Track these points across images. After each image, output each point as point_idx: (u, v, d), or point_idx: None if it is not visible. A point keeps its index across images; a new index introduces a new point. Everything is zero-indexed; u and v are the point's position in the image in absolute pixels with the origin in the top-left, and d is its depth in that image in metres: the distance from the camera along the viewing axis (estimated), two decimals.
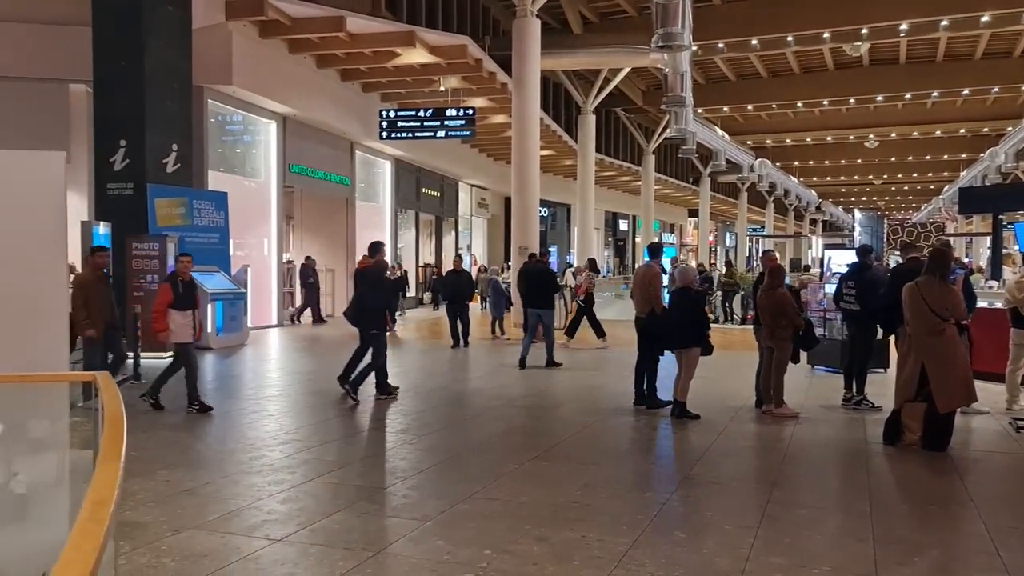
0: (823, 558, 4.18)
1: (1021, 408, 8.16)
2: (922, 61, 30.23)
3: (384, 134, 19.19)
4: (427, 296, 25.22)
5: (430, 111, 19.09)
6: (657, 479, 6.05)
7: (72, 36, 13.07)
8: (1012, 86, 30.52)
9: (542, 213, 28.06)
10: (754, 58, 29.52)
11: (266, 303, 17.21)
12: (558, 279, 15.22)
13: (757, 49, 26.20)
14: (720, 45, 25.55)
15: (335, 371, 9.25)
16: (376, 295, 8.91)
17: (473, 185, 29.91)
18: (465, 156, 26.49)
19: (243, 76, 14.80)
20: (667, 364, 8.30)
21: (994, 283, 22.77)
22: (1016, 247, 29.68)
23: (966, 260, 35.45)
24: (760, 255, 11.90)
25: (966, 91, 32.15)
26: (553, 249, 31.25)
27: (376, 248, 9.17)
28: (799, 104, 35.44)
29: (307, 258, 18.88)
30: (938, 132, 41.73)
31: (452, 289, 14.64)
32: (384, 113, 19.26)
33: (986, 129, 39.90)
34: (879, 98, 33.66)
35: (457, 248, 27.75)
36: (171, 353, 11.51)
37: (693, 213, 51.64)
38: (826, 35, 24.32)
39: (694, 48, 21.45)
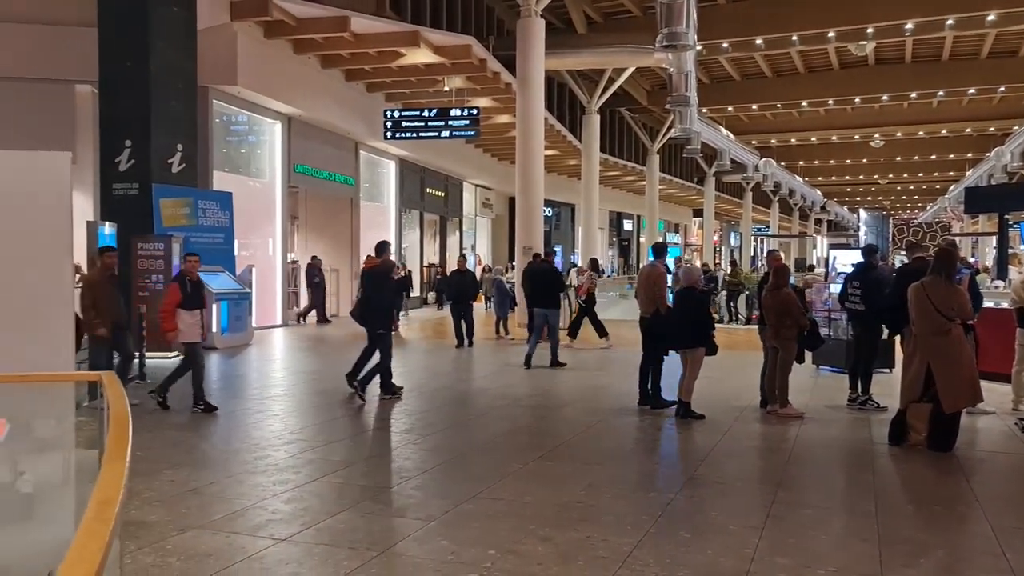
0: (828, 558, 4.17)
1: None
2: (928, 60, 30.15)
3: (388, 134, 19.21)
4: (431, 296, 25.23)
5: (434, 111, 19.10)
6: (662, 479, 6.05)
7: (78, 37, 13.10)
8: (1018, 85, 30.40)
9: (546, 213, 28.09)
10: (759, 58, 29.47)
11: (271, 303, 17.23)
12: (564, 279, 15.21)
13: (762, 49, 26.15)
14: (725, 45, 25.50)
15: (340, 371, 9.27)
16: (381, 295, 8.93)
17: (477, 185, 29.91)
18: (469, 156, 26.50)
19: (248, 76, 14.82)
20: (672, 364, 8.29)
21: (1000, 283, 22.68)
22: (1022, 247, 29.59)
23: (972, 260, 35.35)
24: (765, 255, 11.88)
25: (972, 90, 32.06)
26: (558, 248, 31.26)
27: (383, 248, 9.19)
28: (804, 104, 35.37)
29: (313, 258, 18.90)
30: (944, 131, 41.62)
31: (456, 289, 14.65)
32: (388, 113, 19.27)
33: (992, 128, 39.77)
34: (884, 97, 33.58)
35: (461, 248, 27.76)
36: (176, 353, 11.58)
37: (698, 213, 51.62)
38: (831, 34, 24.26)
39: (699, 48, 21.44)
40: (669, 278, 10.17)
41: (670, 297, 8.83)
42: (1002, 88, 31.57)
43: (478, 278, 20.39)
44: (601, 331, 13.98)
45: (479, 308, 19.86)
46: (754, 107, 36.72)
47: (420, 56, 17.04)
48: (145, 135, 12.55)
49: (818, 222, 75.71)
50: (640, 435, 7.49)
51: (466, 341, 13.97)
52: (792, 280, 9.02)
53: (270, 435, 6.99)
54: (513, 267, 21.30)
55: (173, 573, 3.86)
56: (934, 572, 4.10)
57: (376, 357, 8.80)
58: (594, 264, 16.06)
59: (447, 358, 12.90)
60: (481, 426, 7.70)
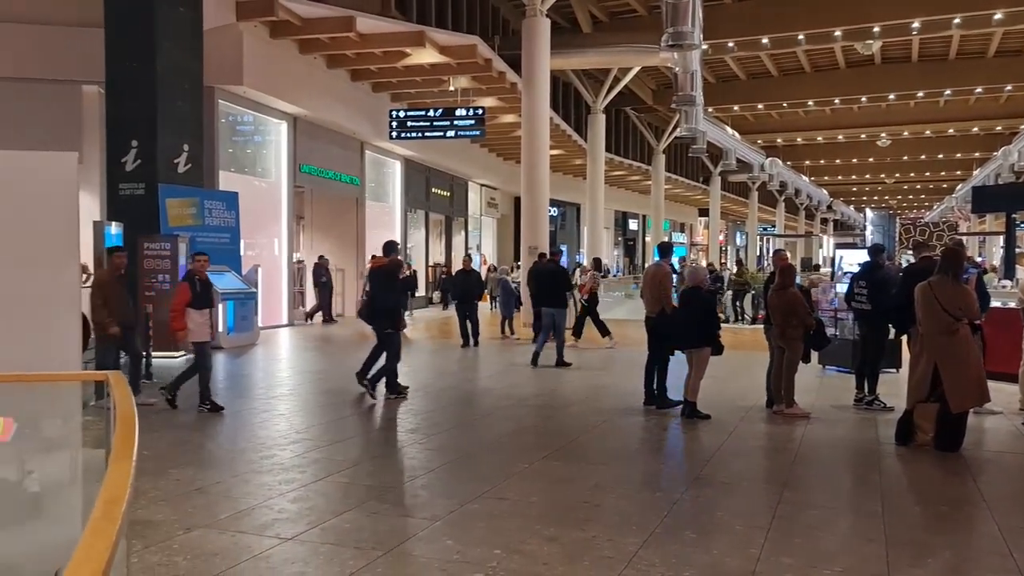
0: (834, 559, 4.16)
1: None
2: (934, 59, 30.03)
3: (394, 134, 19.22)
4: (436, 295, 25.25)
5: (440, 111, 19.12)
6: (667, 479, 6.04)
7: (85, 37, 13.14)
8: None
9: (552, 213, 28.03)
10: (765, 57, 29.40)
11: (277, 303, 17.27)
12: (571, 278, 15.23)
13: (768, 48, 26.09)
14: (730, 44, 25.45)
15: (346, 371, 9.28)
16: (388, 294, 8.93)
17: (483, 185, 29.92)
18: (475, 156, 26.50)
19: (254, 76, 14.85)
20: (677, 364, 8.28)
21: (1007, 282, 22.59)
22: None
23: (979, 259, 35.20)
24: (771, 255, 11.86)
25: (979, 89, 31.94)
26: (563, 248, 31.23)
27: (391, 247, 9.22)
28: (810, 103, 35.27)
29: (320, 257, 18.93)
30: (951, 130, 41.48)
31: (461, 289, 14.65)
32: (394, 113, 19.29)
33: (999, 128, 39.62)
34: (891, 96, 33.47)
35: (467, 248, 27.77)
36: (182, 352, 11.61)
37: (703, 212, 51.50)
38: (837, 34, 24.19)
39: (704, 47, 21.39)
40: (674, 278, 10.16)
41: (675, 297, 8.81)
42: (1009, 87, 31.44)
43: (483, 278, 20.39)
44: (603, 330, 13.97)
45: (484, 308, 19.88)
46: (760, 106, 36.64)
47: (425, 56, 17.04)
48: (151, 135, 12.58)
49: (824, 221, 75.48)
50: (646, 435, 7.48)
51: (471, 341, 13.98)
52: (798, 280, 8.99)
53: (276, 434, 7.00)
54: (518, 267, 21.30)
55: (179, 572, 3.87)
56: (941, 572, 4.09)
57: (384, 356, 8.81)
58: (597, 263, 16.06)
59: (452, 358, 12.90)
60: (486, 426, 7.71)
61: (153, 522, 4.52)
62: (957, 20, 22.59)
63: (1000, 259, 31.38)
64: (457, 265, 21.73)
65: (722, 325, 8.68)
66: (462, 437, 7.19)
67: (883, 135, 42.37)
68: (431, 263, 26.20)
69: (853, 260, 26.74)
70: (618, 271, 40.12)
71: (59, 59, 13.55)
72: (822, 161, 51.53)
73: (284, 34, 15.56)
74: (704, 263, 32.25)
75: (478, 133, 19.33)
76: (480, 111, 18.87)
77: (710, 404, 7.93)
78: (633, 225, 46.40)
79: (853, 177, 58.40)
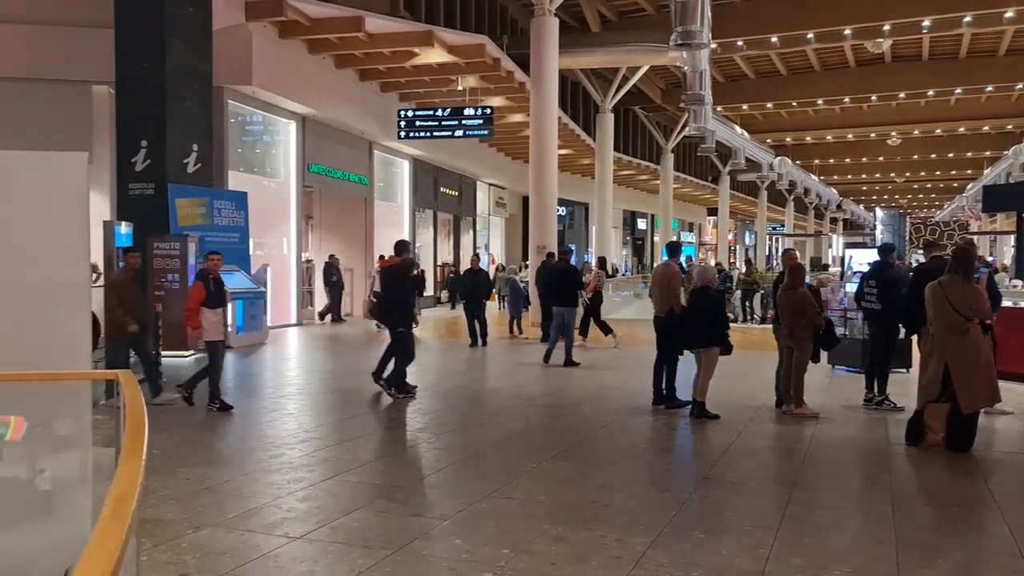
0: (844, 559, 4.14)
1: None
2: (945, 57, 29.88)
3: (402, 134, 19.25)
4: (444, 295, 25.27)
5: (448, 110, 19.12)
6: (676, 479, 6.03)
7: (95, 38, 13.20)
8: None
9: (560, 212, 28.04)
10: (774, 56, 29.31)
11: (285, 302, 17.31)
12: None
13: (777, 47, 26.00)
14: (739, 43, 25.39)
15: (354, 370, 9.30)
16: (400, 293, 8.94)
17: (491, 184, 29.92)
18: (483, 155, 26.51)
19: (263, 76, 14.88)
20: (686, 364, 8.26)
21: (1019, 282, 22.45)
22: None
23: (990, 259, 35.02)
24: (780, 254, 11.83)
25: (990, 88, 31.77)
26: (572, 247, 31.20)
27: (403, 247, 9.24)
28: (820, 102, 35.15)
29: (331, 256, 18.98)
30: (961, 129, 41.26)
31: (469, 288, 14.67)
32: (402, 113, 19.31)
33: (1010, 126, 39.39)
34: (901, 95, 33.30)
35: (475, 247, 27.77)
36: (191, 352, 11.65)
37: (712, 212, 51.39)
38: (847, 32, 24.10)
39: (713, 46, 21.35)
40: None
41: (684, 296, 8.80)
42: (1020, 86, 31.25)
43: (491, 277, 20.39)
44: (605, 329, 13.97)
45: (492, 307, 19.87)
46: (769, 105, 36.52)
47: (434, 56, 17.06)
48: (161, 135, 12.63)
49: (834, 221, 75.16)
50: (654, 435, 7.46)
51: (479, 340, 13.99)
52: (807, 279, 8.96)
53: (285, 434, 7.01)
54: (526, 266, 21.29)
55: (189, 570, 3.88)
56: (951, 573, 4.06)
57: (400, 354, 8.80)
58: (602, 262, 16.05)
59: (461, 357, 12.91)
60: (495, 425, 7.70)
61: (163, 521, 4.54)
62: (968, 18, 22.47)
63: (1011, 258, 31.20)
64: (465, 265, 21.71)
65: (731, 325, 8.65)
66: (470, 436, 7.19)
67: (893, 134, 42.17)
68: (439, 263, 26.22)
69: (863, 259, 26.60)
70: (626, 271, 40.06)
71: (70, 60, 13.61)
72: (832, 160, 51.33)
73: (293, 34, 15.60)
74: (712, 262, 32.15)
75: (486, 133, 19.33)
76: (488, 110, 18.87)
77: (719, 404, 7.91)
78: (642, 224, 46.33)
79: (863, 176, 58.16)
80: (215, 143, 14.01)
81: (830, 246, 64.48)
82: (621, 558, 4.08)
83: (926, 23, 23.08)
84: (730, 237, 53.37)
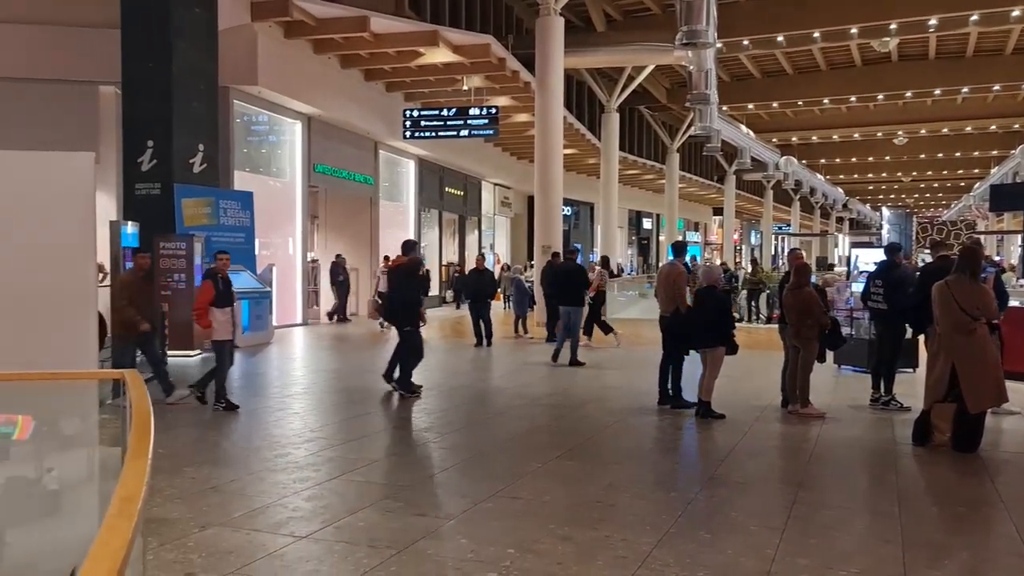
0: (850, 560, 4.13)
1: None
2: (952, 56, 29.76)
3: (408, 133, 19.25)
4: (449, 295, 25.28)
5: (453, 110, 19.13)
6: (681, 479, 6.02)
7: (102, 38, 13.24)
8: None
9: (565, 212, 28.01)
10: (780, 55, 29.23)
11: (291, 302, 17.34)
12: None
13: (783, 46, 25.94)
14: (745, 42, 25.33)
15: (360, 369, 9.31)
16: (408, 292, 8.94)
17: (496, 184, 29.92)
18: (488, 155, 26.51)
19: (268, 77, 14.91)
20: (692, 364, 8.25)
21: None
22: None
23: (997, 258, 34.86)
24: (787, 253, 11.81)
25: (997, 87, 31.64)
26: (579, 247, 31.19)
27: (410, 246, 9.25)
28: (826, 101, 35.04)
29: (337, 256, 19.00)
30: (968, 128, 41.10)
31: (474, 288, 14.68)
32: (408, 112, 19.32)
33: (1017, 125, 39.24)
34: (908, 94, 33.18)
35: (480, 247, 27.78)
36: (197, 352, 11.68)
37: (718, 211, 51.29)
38: (854, 31, 24.02)
39: (719, 45, 21.30)
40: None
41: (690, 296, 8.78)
42: None
43: (497, 277, 20.40)
44: (605, 329, 13.97)
45: (498, 307, 19.88)
46: (775, 104, 36.43)
47: (439, 55, 17.06)
48: (167, 135, 12.66)
49: (840, 220, 75.00)
50: (659, 435, 7.46)
51: (484, 340, 13.99)
52: (813, 279, 8.94)
53: (290, 433, 7.03)
54: (531, 266, 21.29)
55: (195, 569, 3.89)
56: (958, 574, 4.05)
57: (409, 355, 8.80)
58: (605, 261, 16.05)
59: (466, 357, 12.91)
60: (500, 425, 7.70)
61: (169, 520, 4.55)
62: (974, 17, 22.39)
63: (1018, 258, 31.07)
64: (470, 264, 21.73)
65: (736, 324, 8.63)
66: (475, 436, 7.19)
67: (900, 133, 42.03)
68: (444, 262, 26.24)
69: (869, 259, 26.53)
70: (632, 270, 40.02)
71: (76, 60, 13.66)
72: (838, 160, 51.19)
73: (298, 34, 15.62)
74: (717, 262, 32.09)
75: (492, 132, 19.33)
76: (494, 110, 18.87)
77: (724, 404, 7.90)
78: (647, 224, 46.27)
79: (869, 175, 57.97)
80: (221, 143, 14.04)
81: (836, 246, 64.30)
82: (627, 558, 4.07)
83: (933, 22, 23.00)
84: (736, 237, 53.25)
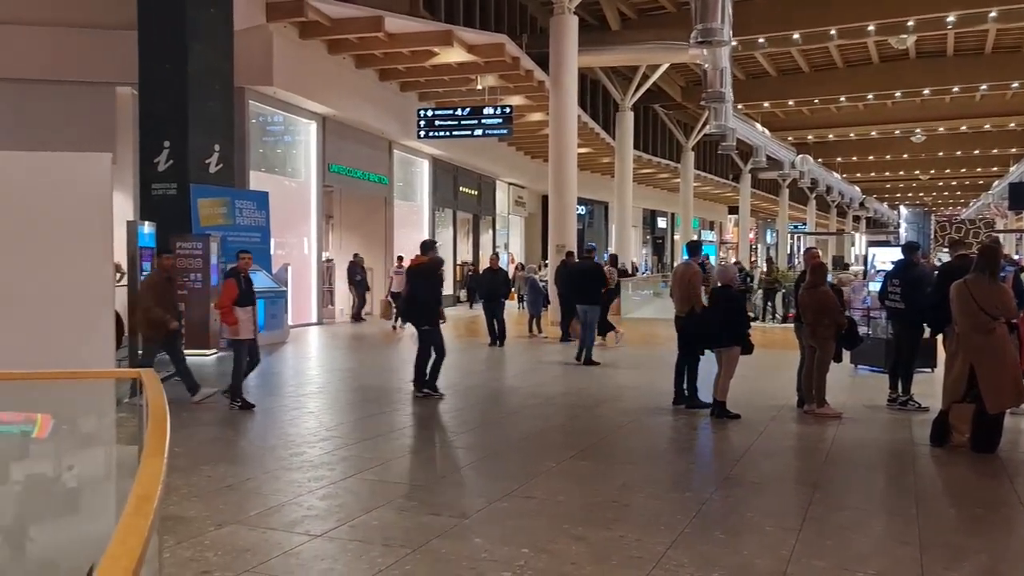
0: (867, 561, 4.10)
1: None
2: (970, 53, 29.49)
3: (422, 133, 19.28)
4: (463, 294, 25.31)
5: (467, 110, 19.14)
6: (696, 479, 6.00)
7: (119, 40, 13.33)
8: None
9: (580, 211, 27.97)
10: (795, 52, 29.05)
11: (306, 301, 17.41)
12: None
13: (799, 43, 25.77)
14: (761, 40, 25.19)
15: (374, 368, 9.32)
16: (428, 292, 8.93)
17: (510, 183, 29.92)
18: (502, 154, 26.51)
19: (283, 77, 14.97)
20: (707, 363, 8.22)
21: None
22: None
23: (1016, 257, 34.49)
24: (803, 252, 11.75)
25: (1016, 84, 31.30)
26: (594, 246, 31.12)
27: (429, 246, 9.26)
28: (842, 99, 34.79)
29: (355, 255, 19.07)
30: (987, 126, 40.72)
31: (488, 287, 14.69)
32: (422, 112, 19.35)
33: None
34: (926, 91, 32.87)
35: (494, 246, 27.78)
36: (213, 351, 11.74)
37: (733, 210, 51.05)
38: (871, 28, 23.84)
39: (734, 43, 21.20)
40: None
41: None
42: None
43: (511, 276, 20.39)
44: (605, 328, 13.91)
45: (512, 306, 19.87)
46: (790, 103, 36.21)
47: (453, 55, 17.07)
48: (183, 136, 12.73)
49: (856, 219, 74.47)
50: (674, 434, 7.43)
51: (498, 340, 13.99)
52: (829, 278, 8.88)
53: (305, 432, 7.05)
54: (546, 265, 21.27)
55: (211, 567, 3.91)
56: (976, 575, 4.01)
57: (432, 354, 8.78)
58: (614, 260, 16.04)
59: (480, 356, 12.92)
60: (514, 424, 7.70)
61: (185, 518, 4.58)
62: (993, 14, 22.18)
63: None
64: (485, 264, 21.74)
65: (752, 324, 8.59)
66: (489, 435, 7.19)
67: (918, 131, 41.68)
68: (459, 262, 26.27)
69: (886, 258, 26.29)
70: (646, 269, 39.92)
71: (93, 61, 13.76)
72: (854, 158, 50.83)
73: (313, 34, 15.68)
74: (732, 261, 31.94)
75: (506, 132, 19.33)
76: (508, 109, 18.86)
77: (740, 404, 7.86)
78: (662, 223, 46.13)
79: (887, 174, 57.52)
80: (236, 143, 14.11)
81: (853, 244, 63.83)
82: (641, 558, 4.06)
83: (951, 18, 22.79)
84: (751, 236, 52.99)
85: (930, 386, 8.72)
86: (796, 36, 24.61)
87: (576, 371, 10.98)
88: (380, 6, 15.33)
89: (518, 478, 5.54)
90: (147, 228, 11.76)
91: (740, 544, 4.32)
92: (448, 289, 23.10)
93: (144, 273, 10.21)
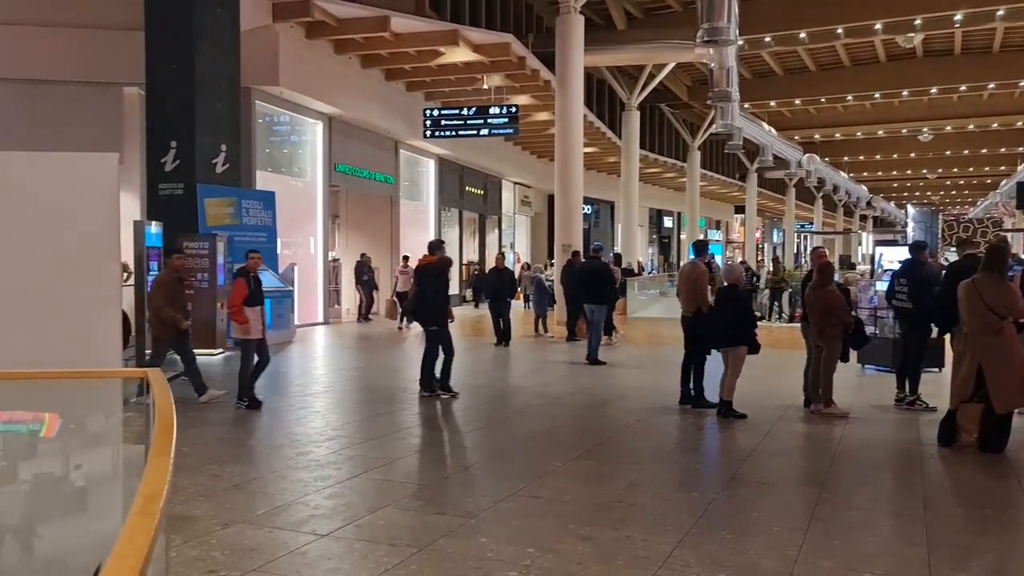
0: (874, 562, 4.09)
1: None
2: (978, 52, 29.38)
3: (428, 133, 19.29)
4: (469, 293, 25.32)
5: (473, 109, 19.14)
6: (703, 479, 5.98)
7: (126, 41, 13.38)
8: None
9: (586, 210, 27.95)
10: (802, 51, 28.99)
11: (313, 301, 17.44)
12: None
13: (805, 42, 25.72)
14: (767, 39, 25.15)
15: (381, 368, 9.33)
16: (436, 292, 8.93)
17: (516, 183, 29.91)
18: (508, 154, 26.51)
19: (290, 77, 15.00)
20: (714, 363, 8.20)
21: None
22: None
23: None
24: (809, 252, 11.73)
25: (1023, 83, 31.20)
26: (600, 245, 31.09)
27: (437, 246, 9.26)
28: (849, 98, 34.71)
29: (362, 255, 19.09)
30: (995, 125, 40.57)
31: (494, 287, 14.69)
32: (428, 112, 19.36)
33: None
34: (933, 90, 32.79)
35: (500, 246, 27.78)
36: (219, 350, 11.77)
37: (739, 210, 50.97)
38: (878, 26, 23.78)
39: (740, 42, 21.17)
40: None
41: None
42: None
43: (517, 276, 20.39)
44: (611, 328, 13.92)
45: (518, 306, 19.87)
46: (797, 102, 36.14)
47: (459, 55, 17.08)
48: (190, 136, 12.77)
49: (863, 218, 74.26)
50: (681, 434, 7.42)
51: (504, 339, 13.99)
52: (835, 277, 8.85)
53: (312, 431, 7.07)
54: (552, 265, 21.26)
55: (217, 567, 3.92)
56: None
57: (441, 354, 8.78)
58: (617, 259, 16.03)
59: (485, 356, 12.92)
60: (520, 424, 7.70)
61: (192, 517, 4.59)
62: (1001, 12, 22.10)
63: None
64: (490, 263, 21.75)
65: (758, 323, 8.57)
66: (495, 435, 7.19)
67: (925, 130, 41.56)
68: (465, 261, 26.27)
69: (893, 257, 26.20)
70: (652, 269, 39.87)
71: (101, 62, 13.82)
72: (861, 157, 50.70)
73: (320, 35, 15.71)
74: (738, 261, 31.90)
75: (512, 131, 19.33)
76: (514, 109, 18.86)
77: (746, 403, 7.84)
78: (668, 223, 46.07)
79: (894, 173, 57.36)
80: (243, 143, 14.14)
81: (860, 244, 63.66)
82: (648, 558, 4.06)
83: (958, 17, 22.71)
84: (758, 235, 52.89)
85: (938, 386, 8.69)
86: (803, 35, 24.56)
87: (582, 371, 10.97)
88: (386, 6, 15.35)
89: (524, 478, 5.54)
90: (154, 228, 11.79)
91: (747, 544, 4.31)
92: (454, 289, 23.12)
93: (151, 273, 10.23)
